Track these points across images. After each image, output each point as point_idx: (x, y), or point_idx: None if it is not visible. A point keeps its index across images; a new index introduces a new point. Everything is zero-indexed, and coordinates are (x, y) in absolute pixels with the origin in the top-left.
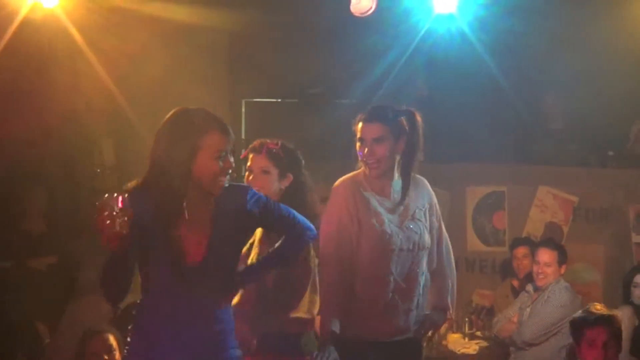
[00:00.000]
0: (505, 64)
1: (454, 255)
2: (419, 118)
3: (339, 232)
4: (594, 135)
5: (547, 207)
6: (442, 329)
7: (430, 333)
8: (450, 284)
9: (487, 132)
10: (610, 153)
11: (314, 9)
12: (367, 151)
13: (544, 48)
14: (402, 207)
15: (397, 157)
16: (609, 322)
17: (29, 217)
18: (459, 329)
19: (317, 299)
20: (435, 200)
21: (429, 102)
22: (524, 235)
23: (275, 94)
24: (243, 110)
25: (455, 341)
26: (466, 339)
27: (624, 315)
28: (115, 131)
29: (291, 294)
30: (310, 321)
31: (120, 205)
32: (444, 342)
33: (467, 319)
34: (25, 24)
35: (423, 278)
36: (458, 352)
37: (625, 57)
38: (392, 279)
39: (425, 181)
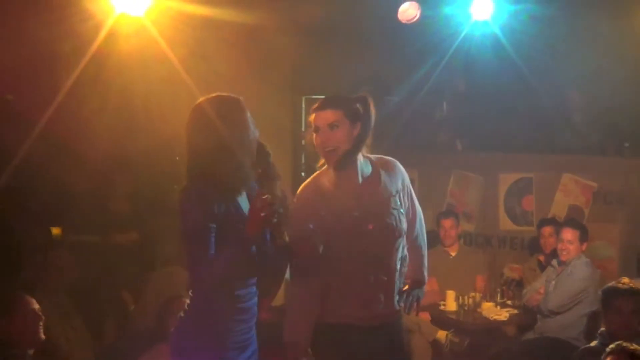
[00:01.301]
0: (532, 63)
1: (488, 233)
2: (371, 103)
3: (307, 240)
4: (611, 128)
5: (570, 191)
6: (477, 297)
7: (415, 306)
8: (424, 258)
9: (517, 125)
10: (626, 144)
11: (366, 17)
12: (324, 138)
13: (566, 49)
14: (374, 194)
15: (357, 141)
16: (636, 294)
17: (116, 198)
18: (491, 299)
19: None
20: (407, 178)
21: (466, 98)
22: (549, 216)
23: (331, 91)
24: (303, 106)
25: (489, 309)
26: (498, 307)
27: None
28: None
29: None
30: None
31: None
32: (478, 310)
33: (499, 290)
34: (112, 33)
35: (399, 264)
36: (491, 319)
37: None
38: (371, 271)
39: (397, 162)
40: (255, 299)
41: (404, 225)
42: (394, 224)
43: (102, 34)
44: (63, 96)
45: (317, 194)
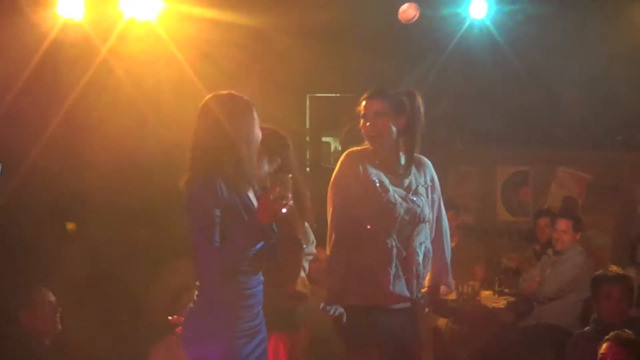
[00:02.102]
0: (528, 62)
1: (486, 225)
2: (419, 98)
3: (345, 197)
4: (604, 122)
5: (565, 184)
6: (476, 286)
7: (427, 308)
8: (447, 264)
9: (515, 121)
10: (619, 138)
11: (367, 17)
12: (369, 125)
13: (561, 48)
14: (406, 181)
15: (400, 134)
16: (624, 280)
17: (128, 195)
18: (490, 287)
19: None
20: (437, 180)
21: (464, 96)
22: (545, 207)
23: (334, 89)
24: (307, 104)
25: (487, 297)
26: (496, 295)
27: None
28: None
29: (289, 269)
30: (305, 295)
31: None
32: (477, 298)
33: (497, 278)
34: (122, 37)
35: (422, 249)
36: (489, 307)
37: (631, 56)
38: (393, 245)
39: (428, 162)
40: (261, 286)
41: (427, 213)
42: (418, 207)
43: (112, 38)
44: (76, 96)
45: (362, 162)
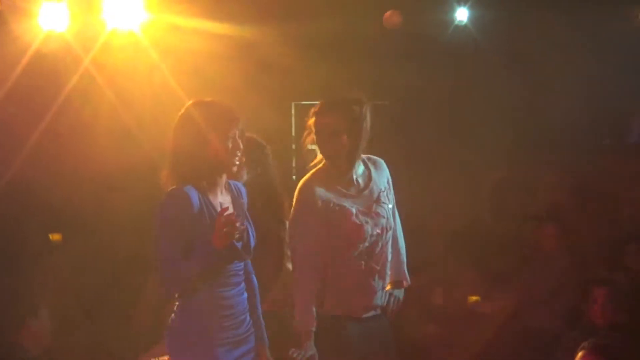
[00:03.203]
0: (515, 66)
1: (474, 230)
2: (367, 105)
3: (307, 237)
4: (592, 127)
5: (551, 188)
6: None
7: (395, 309)
8: (403, 257)
9: (502, 123)
10: (606, 142)
11: (351, 25)
12: (326, 145)
13: (549, 53)
14: (367, 191)
15: (357, 144)
16: (610, 284)
17: (113, 205)
18: (478, 292)
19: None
20: (390, 178)
21: (452, 99)
22: (532, 212)
23: (319, 96)
24: (293, 111)
25: (474, 302)
26: (485, 300)
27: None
28: None
29: (268, 275)
30: (283, 300)
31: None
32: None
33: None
34: (103, 47)
35: (389, 255)
36: (479, 311)
37: (619, 59)
38: (364, 263)
39: (382, 161)
40: (244, 295)
41: (392, 220)
42: (383, 218)
43: (95, 48)
44: (60, 106)
45: (316, 189)
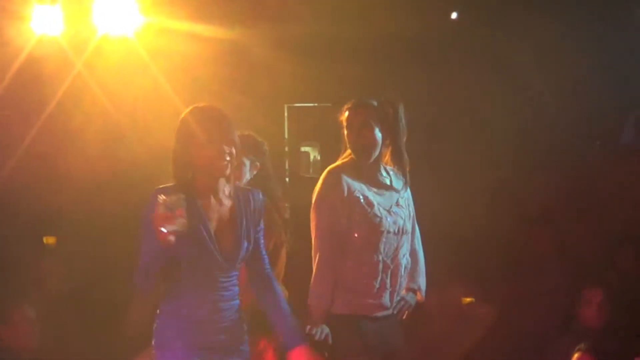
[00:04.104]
0: (507, 68)
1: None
2: (401, 106)
3: (330, 217)
4: (583, 128)
5: (541, 189)
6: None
7: (405, 314)
8: (421, 269)
9: (491, 126)
10: (598, 143)
11: (344, 28)
12: (356, 136)
13: (540, 54)
14: (389, 192)
15: (385, 144)
16: (603, 285)
17: (105, 208)
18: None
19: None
20: (409, 190)
21: (443, 102)
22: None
23: (312, 99)
24: (285, 114)
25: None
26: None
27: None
28: None
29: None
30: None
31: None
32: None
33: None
34: (96, 51)
35: (405, 260)
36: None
37: (611, 61)
38: (381, 259)
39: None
40: (224, 304)
41: (409, 224)
42: (401, 219)
43: (88, 52)
44: (53, 110)
45: (343, 176)
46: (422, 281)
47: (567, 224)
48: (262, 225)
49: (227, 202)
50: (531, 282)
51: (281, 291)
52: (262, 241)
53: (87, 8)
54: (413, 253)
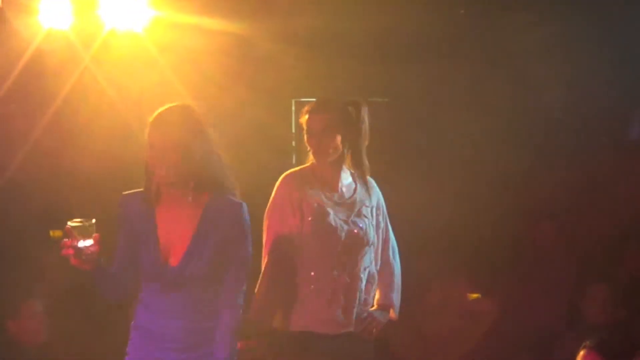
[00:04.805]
0: (512, 65)
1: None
2: (365, 108)
3: (281, 225)
4: (589, 124)
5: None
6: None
7: (373, 330)
8: (395, 284)
9: (496, 122)
10: (604, 139)
11: (352, 22)
12: (315, 141)
13: (545, 51)
14: (349, 201)
15: (346, 148)
16: (609, 280)
17: (110, 203)
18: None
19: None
20: (382, 201)
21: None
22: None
23: (319, 93)
24: (293, 108)
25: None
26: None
27: None
28: None
29: None
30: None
31: (84, 241)
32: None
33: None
34: (104, 45)
35: (366, 274)
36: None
37: (615, 57)
38: (335, 272)
39: (374, 182)
40: (178, 322)
41: (372, 236)
42: (363, 229)
43: (96, 46)
44: (61, 104)
45: (297, 183)
46: (395, 297)
47: (574, 220)
48: (241, 247)
49: (193, 212)
50: (537, 278)
51: (231, 322)
52: (235, 261)
53: (95, 2)
54: (384, 266)
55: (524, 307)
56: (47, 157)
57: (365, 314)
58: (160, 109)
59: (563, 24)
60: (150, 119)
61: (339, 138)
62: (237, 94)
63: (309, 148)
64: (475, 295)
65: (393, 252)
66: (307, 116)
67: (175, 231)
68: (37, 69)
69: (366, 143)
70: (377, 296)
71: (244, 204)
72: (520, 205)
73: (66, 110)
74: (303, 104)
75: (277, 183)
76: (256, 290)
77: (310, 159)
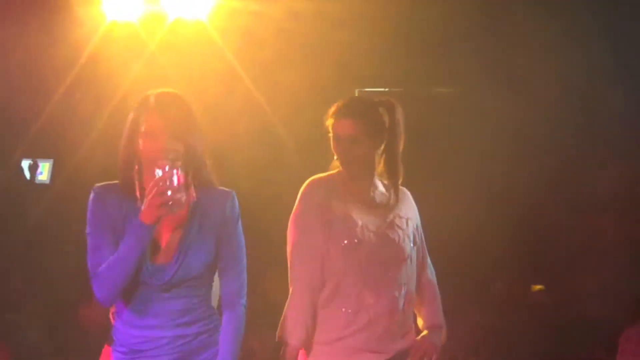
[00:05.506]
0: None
1: None
2: (399, 109)
3: (308, 237)
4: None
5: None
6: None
7: (432, 358)
8: (439, 304)
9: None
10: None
11: (418, 8)
12: (343, 150)
13: (544, 54)
14: (380, 211)
15: (378, 154)
16: None
17: None
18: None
19: None
20: (416, 210)
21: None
22: None
23: (383, 84)
24: None
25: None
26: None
27: None
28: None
29: None
30: None
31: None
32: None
33: None
34: (169, 33)
35: (403, 292)
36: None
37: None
38: (363, 292)
39: (409, 193)
40: (134, 330)
41: (408, 249)
42: (397, 242)
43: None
44: (123, 92)
45: (324, 189)
46: (442, 318)
47: (635, 213)
48: (233, 238)
49: None
50: (600, 270)
51: (241, 324)
52: (229, 255)
53: None
54: (425, 287)
55: (587, 300)
56: (111, 145)
57: (416, 342)
58: (157, 93)
59: (566, 28)
60: (148, 103)
61: (370, 145)
62: (298, 84)
63: (335, 155)
64: (538, 287)
65: (430, 269)
66: (332, 120)
67: (162, 228)
68: (101, 59)
69: (401, 148)
70: (421, 320)
71: (234, 192)
72: (581, 199)
73: (130, 99)
74: (367, 94)
75: (302, 189)
76: (285, 308)
77: (335, 165)
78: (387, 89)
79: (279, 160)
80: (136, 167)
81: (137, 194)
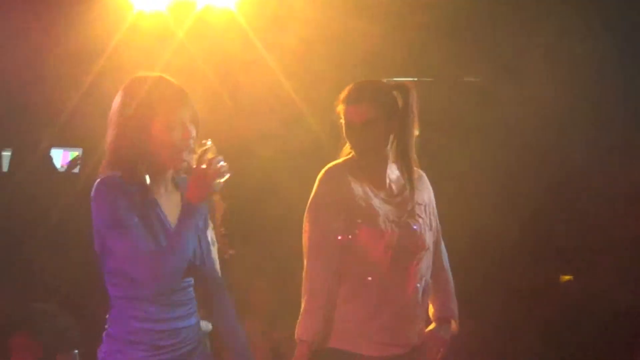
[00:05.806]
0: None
1: None
2: (413, 92)
3: (327, 228)
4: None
5: None
6: None
7: (439, 352)
8: (452, 292)
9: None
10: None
11: None
12: (357, 136)
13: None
14: (399, 200)
15: (391, 140)
16: None
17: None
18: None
19: None
20: (432, 196)
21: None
22: None
23: (411, 73)
24: None
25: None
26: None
27: None
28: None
29: None
30: None
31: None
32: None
33: None
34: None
35: (422, 284)
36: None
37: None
38: (384, 283)
39: (424, 175)
40: (191, 321)
41: (427, 239)
42: (418, 231)
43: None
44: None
45: (344, 176)
46: (454, 306)
47: None
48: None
49: (174, 194)
50: (630, 261)
51: (232, 304)
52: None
53: None
54: (439, 274)
55: (618, 291)
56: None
57: (425, 337)
58: (156, 76)
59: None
60: (160, 86)
61: (384, 131)
62: (321, 71)
63: (348, 143)
64: (567, 277)
65: (445, 255)
66: (344, 106)
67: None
68: (130, 47)
69: (416, 134)
70: (432, 309)
71: None
72: (610, 190)
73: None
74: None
75: (319, 177)
76: (302, 305)
77: (346, 152)
78: (416, 79)
79: (308, 151)
80: (148, 158)
81: (147, 184)
